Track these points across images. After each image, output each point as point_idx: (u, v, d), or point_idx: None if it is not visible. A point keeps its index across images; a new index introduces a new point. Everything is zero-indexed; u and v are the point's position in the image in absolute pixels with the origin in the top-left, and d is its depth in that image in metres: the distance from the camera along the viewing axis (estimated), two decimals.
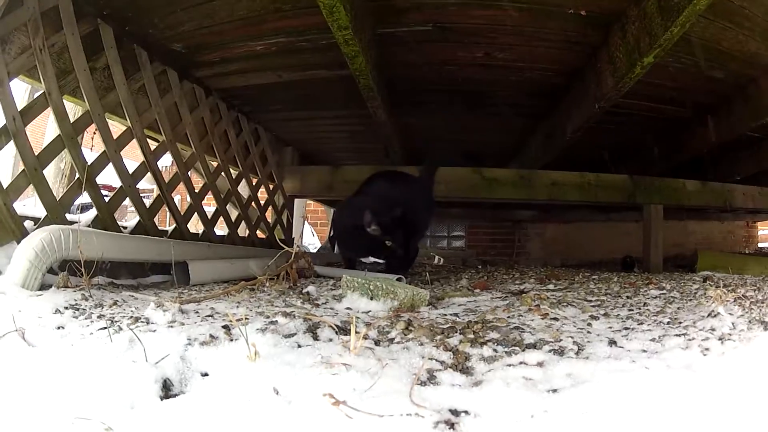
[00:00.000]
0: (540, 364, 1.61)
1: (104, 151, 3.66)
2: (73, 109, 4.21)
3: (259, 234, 6.06)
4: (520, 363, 1.64)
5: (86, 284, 2.55)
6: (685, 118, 5.92)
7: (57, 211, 3.16)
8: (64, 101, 3.42)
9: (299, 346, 1.71)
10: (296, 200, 7.45)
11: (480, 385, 1.43)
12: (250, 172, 5.85)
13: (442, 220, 11.34)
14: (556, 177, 6.50)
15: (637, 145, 7.07)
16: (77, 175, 3.45)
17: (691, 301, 2.89)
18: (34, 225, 3.04)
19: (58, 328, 1.90)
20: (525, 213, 10.29)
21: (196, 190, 4.80)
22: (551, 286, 3.82)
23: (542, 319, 2.38)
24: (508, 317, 2.39)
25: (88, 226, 3.30)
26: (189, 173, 4.77)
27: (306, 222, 10.92)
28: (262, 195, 6.17)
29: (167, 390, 1.33)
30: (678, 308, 2.68)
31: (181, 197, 5.26)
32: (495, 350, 1.77)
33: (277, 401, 1.24)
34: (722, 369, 1.54)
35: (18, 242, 2.71)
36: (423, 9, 3.90)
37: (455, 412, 1.21)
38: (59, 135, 3.30)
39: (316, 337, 1.84)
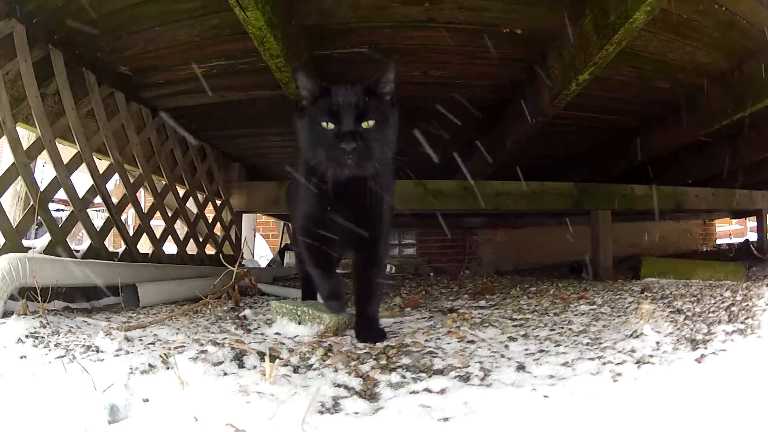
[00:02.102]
0: (442, 392, 1.75)
1: (56, 176, 3.93)
2: (26, 135, 4.38)
3: (211, 250, 6.31)
4: (424, 390, 1.79)
5: (42, 312, 2.82)
6: (633, 127, 6.26)
7: (13, 238, 3.41)
8: (18, 127, 3.67)
9: (225, 374, 1.92)
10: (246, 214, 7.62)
11: (378, 412, 1.58)
12: (197, 189, 6.12)
13: (392, 228, 11.23)
14: (501, 187, 6.68)
15: (587, 152, 7.35)
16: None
17: (620, 317, 3.00)
18: None
19: (21, 357, 2.15)
20: (475, 220, 10.46)
21: (145, 210, 5.09)
22: (483, 302, 4.03)
23: (459, 342, 2.55)
24: (426, 341, 2.56)
25: (43, 251, 3.60)
26: (138, 193, 5.04)
27: (257, 234, 11.09)
28: (210, 211, 6.41)
29: (114, 415, 1.58)
30: (603, 326, 2.79)
31: (134, 215, 5.56)
32: (403, 376, 1.96)
33: (196, 428, 1.50)
34: (630, 397, 1.62)
35: None
36: (358, 31, 4.17)
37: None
38: (14, 163, 3.55)
39: (241, 365, 2.07)
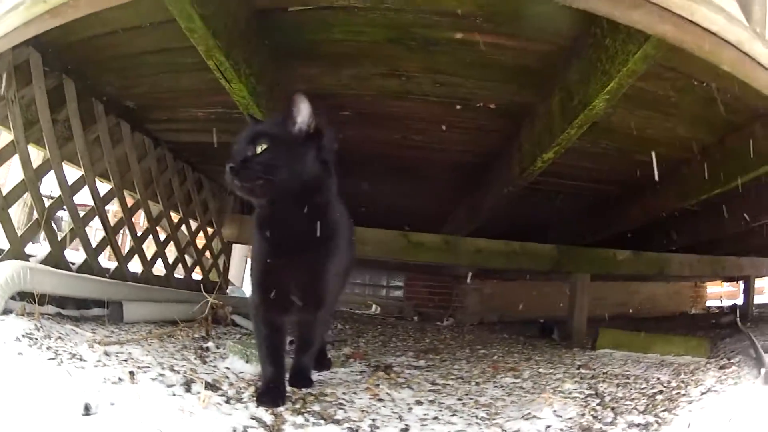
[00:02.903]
0: None
1: (59, 195, 4.40)
2: (36, 154, 4.79)
3: (199, 274, 6.76)
4: None
5: (37, 316, 3.29)
6: (615, 195, 6.44)
7: (18, 246, 3.87)
8: (29, 147, 4.11)
9: (173, 395, 2.34)
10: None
11: None
12: (191, 217, 6.56)
13: (381, 269, 11.57)
14: (482, 244, 6.86)
15: (570, 215, 7.48)
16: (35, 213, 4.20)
17: (534, 395, 3.06)
18: None
19: (19, 354, 2.60)
20: (463, 269, 10.13)
21: (139, 234, 5.55)
22: (422, 362, 4.28)
23: (370, 399, 2.82)
24: (343, 393, 2.84)
25: (42, 261, 4.04)
26: (135, 216, 5.51)
27: (249, 260, 11.35)
28: (201, 239, 6.84)
29: (87, 410, 2.00)
30: (511, 402, 2.92)
31: (122, 239, 6.03)
32: (307, 420, 2.29)
33: (142, 429, 1.93)
34: None
35: None
36: (341, 98, 4.49)
37: None
38: (23, 179, 4.00)
39: (188, 389, 2.46)
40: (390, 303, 10.94)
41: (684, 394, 2.74)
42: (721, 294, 16.03)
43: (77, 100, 4.46)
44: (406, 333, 6.56)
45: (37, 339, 2.89)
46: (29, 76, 3.96)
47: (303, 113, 2.48)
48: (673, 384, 3.11)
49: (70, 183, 4.52)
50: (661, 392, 2.90)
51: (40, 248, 4.53)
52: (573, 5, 2.00)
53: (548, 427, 2.30)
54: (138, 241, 5.52)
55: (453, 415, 2.59)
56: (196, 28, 2.89)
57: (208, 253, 7.02)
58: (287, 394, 2.64)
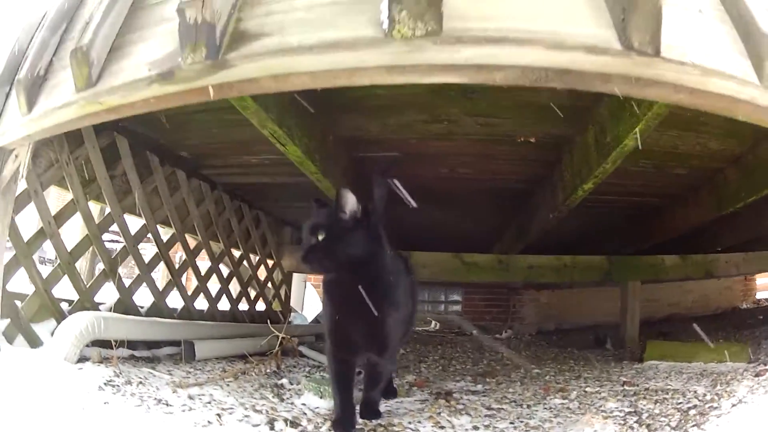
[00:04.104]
0: None
1: (124, 246, 4.65)
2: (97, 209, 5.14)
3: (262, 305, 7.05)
4: None
5: (114, 362, 3.53)
6: (656, 205, 6.48)
7: (86, 296, 4.15)
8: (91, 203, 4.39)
9: None
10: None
11: None
12: (251, 252, 6.80)
13: (439, 286, 11.51)
14: (533, 261, 7.06)
15: (615, 227, 7.48)
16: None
17: (579, 415, 3.20)
18: (69, 306, 4.02)
19: (105, 403, 2.80)
20: (519, 282, 10.11)
21: (203, 273, 5.79)
22: (479, 387, 4.40)
23: (432, 426, 3.04)
24: (408, 422, 3.08)
25: (111, 309, 4.30)
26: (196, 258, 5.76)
27: (308, 284, 11.48)
28: (262, 273, 7.11)
29: None
30: (557, 423, 3.08)
31: (186, 276, 6.28)
32: None
33: None
34: None
35: (57, 320, 3.74)
36: (388, 142, 4.71)
37: None
38: (87, 235, 4.27)
39: (272, 428, 2.75)
40: (448, 318, 11.03)
41: (715, 407, 2.84)
42: None
43: (132, 155, 4.70)
44: (464, 353, 6.69)
45: (119, 386, 3.11)
46: (81, 138, 4.18)
47: (349, 204, 2.87)
48: (708, 397, 3.21)
49: (133, 232, 4.78)
50: (695, 407, 2.99)
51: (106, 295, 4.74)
52: (591, 89, 2.04)
53: None
54: (203, 280, 5.77)
55: None
56: (249, 106, 3.20)
57: (270, 285, 7.27)
58: (359, 426, 2.93)
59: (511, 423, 3.11)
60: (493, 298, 11.31)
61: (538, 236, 6.25)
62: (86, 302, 4.14)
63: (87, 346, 3.66)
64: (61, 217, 4.13)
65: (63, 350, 3.46)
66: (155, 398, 2.99)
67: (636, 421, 2.79)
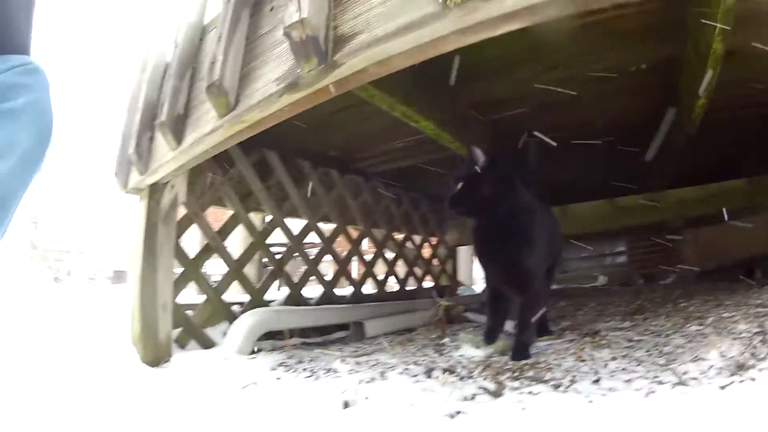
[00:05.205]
0: (537, 393, 2.57)
1: (289, 246, 5.13)
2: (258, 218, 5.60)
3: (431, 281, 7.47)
4: (529, 393, 2.59)
5: (288, 348, 4.01)
6: None
7: (258, 296, 4.65)
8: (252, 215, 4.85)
9: (417, 381, 2.93)
10: None
11: (496, 400, 2.54)
12: (413, 233, 7.23)
13: (602, 239, 11.43)
14: (681, 194, 6.96)
15: (751, 149, 6.98)
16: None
17: (708, 339, 3.24)
18: (240, 308, 4.47)
19: (277, 379, 3.23)
20: (677, 221, 9.46)
21: (369, 259, 6.28)
22: (626, 323, 4.51)
23: (575, 360, 3.21)
24: (554, 359, 3.28)
25: (284, 302, 4.80)
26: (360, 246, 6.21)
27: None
28: (426, 251, 7.48)
29: (346, 405, 2.59)
30: (690, 349, 3.12)
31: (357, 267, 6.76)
32: (522, 383, 2.78)
33: (394, 410, 2.50)
34: (645, 411, 2.11)
35: (229, 322, 4.19)
36: (513, 101, 4.88)
37: (456, 414, 2.40)
38: (252, 242, 4.77)
39: (429, 376, 3.05)
40: (615, 271, 11.01)
41: None
42: None
43: (284, 165, 5.18)
44: (621, 299, 6.67)
45: (291, 366, 3.54)
46: (232, 160, 4.67)
47: (478, 157, 3.51)
48: None
49: (296, 233, 5.28)
50: None
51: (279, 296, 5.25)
52: None
53: (711, 366, 2.56)
54: (368, 266, 6.31)
55: (638, 365, 2.91)
56: (374, 95, 3.67)
57: (435, 261, 7.67)
58: (511, 364, 3.27)
59: (647, 352, 3.23)
60: (655, 245, 11.06)
61: (677, 167, 6.30)
62: (258, 302, 4.62)
63: (259, 340, 4.16)
64: (224, 231, 4.62)
65: (235, 345, 3.94)
66: (324, 369, 3.39)
67: (760, 341, 2.87)
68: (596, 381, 2.71)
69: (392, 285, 6.87)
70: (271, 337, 4.37)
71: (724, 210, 6.44)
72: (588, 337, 3.97)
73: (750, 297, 4.94)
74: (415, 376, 3.11)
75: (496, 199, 3.55)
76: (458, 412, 2.44)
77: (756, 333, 3.11)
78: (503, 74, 4.42)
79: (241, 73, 2.89)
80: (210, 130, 3.06)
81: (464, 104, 4.82)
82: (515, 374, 3.02)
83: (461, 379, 3.02)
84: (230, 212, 4.76)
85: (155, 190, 3.85)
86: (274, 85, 2.68)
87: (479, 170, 3.51)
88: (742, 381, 2.21)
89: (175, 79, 3.36)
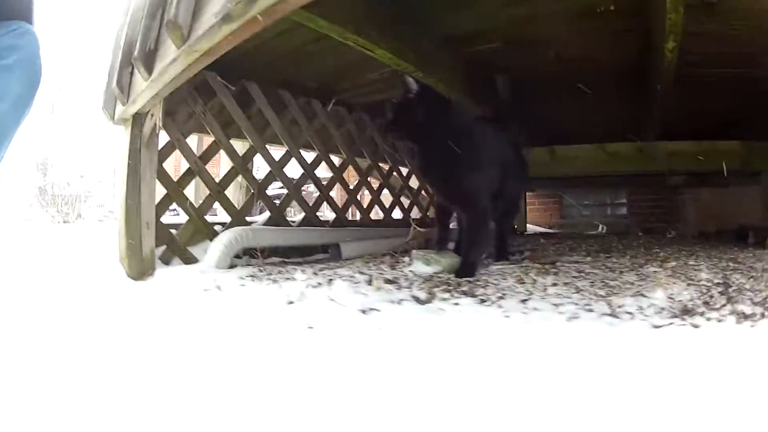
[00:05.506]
0: (459, 304, 2.82)
1: (270, 171, 5.37)
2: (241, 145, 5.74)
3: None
4: (454, 303, 2.84)
5: (262, 263, 4.28)
6: None
7: (238, 216, 4.89)
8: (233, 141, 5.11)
9: (356, 287, 3.17)
10: None
11: (422, 306, 2.82)
12: (401, 165, 7.42)
13: (604, 188, 11.45)
14: (672, 147, 7.08)
15: (750, 108, 6.92)
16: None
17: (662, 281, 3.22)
18: (223, 228, 4.70)
19: (241, 285, 3.48)
20: (677, 179, 9.88)
21: (351, 187, 6.49)
22: (588, 258, 4.60)
23: (515, 282, 3.40)
24: (495, 280, 3.48)
25: (265, 224, 5.03)
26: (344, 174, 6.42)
27: None
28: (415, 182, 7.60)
29: (289, 301, 2.92)
30: (638, 285, 3.17)
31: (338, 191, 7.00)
32: (452, 295, 3.01)
33: (326, 304, 2.84)
34: (548, 336, 2.19)
35: (210, 240, 4.44)
36: (487, 33, 5.16)
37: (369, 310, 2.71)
38: (233, 167, 5.03)
39: (369, 284, 3.33)
40: (615, 221, 11.06)
41: None
42: None
43: (264, 95, 5.36)
44: (603, 241, 6.69)
45: (259, 277, 3.74)
46: (213, 91, 4.88)
47: (410, 84, 3.77)
48: None
49: (277, 159, 5.49)
50: None
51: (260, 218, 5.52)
52: None
53: (651, 305, 2.57)
54: (352, 193, 6.52)
55: (575, 293, 3.00)
56: (323, 26, 3.89)
57: (423, 193, 7.79)
58: (449, 282, 3.47)
59: (591, 283, 3.32)
60: (656, 199, 11.24)
61: (661, 116, 6.36)
62: (238, 222, 4.87)
63: (238, 256, 4.46)
64: (206, 157, 4.94)
65: (213, 260, 4.20)
66: (287, 278, 3.65)
67: (720, 292, 2.83)
68: (524, 301, 2.85)
69: (380, 214, 7.14)
70: (252, 257, 4.63)
71: (724, 169, 6.80)
72: (539, 264, 4.15)
73: (727, 252, 5.02)
74: (357, 283, 3.36)
75: (430, 123, 3.78)
76: (371, 309, 2.73)
77: (717, 284, 3.10)
78: (465, 7, 4.58)
79: (193, 9, 3.15)
80: (171, 60, 3.34)
81: (433, 38, 5.02)
82: (450, 288, 3.24)
83: (399, 288, 3.26)
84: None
85: (137, 120, 4.13)
86: (213, 18, 2.92)
87: (411, 96, 3.77)
88: (682, 325, 2.23)
89: (147, 19, 3.65)
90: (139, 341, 2.46)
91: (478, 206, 3.95)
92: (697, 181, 9.83)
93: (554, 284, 3.29)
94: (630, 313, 2.47)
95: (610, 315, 2.45)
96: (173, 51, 3.30)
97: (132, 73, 3.91)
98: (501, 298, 2.93)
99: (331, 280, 3.45)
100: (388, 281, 3.48)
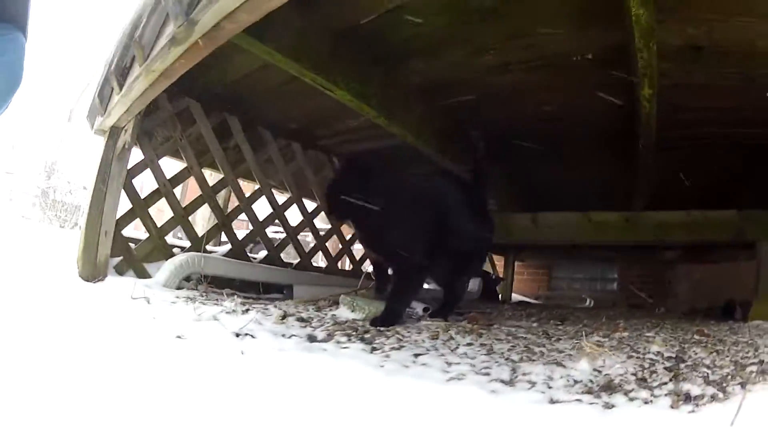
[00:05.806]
0: (347, 348, 2.88)
1: (238, 205, 5.57)
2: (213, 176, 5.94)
3: None
4: (343, 347, 2.88)
5: (206, 288, 4.47)
6: None
7: (198, 244, 5.05)
8: (206, 170, 5.33)
9: (263, 318, 3.39)
10: None
11: (312, 343, 2.92)
12: None
13: (595, 262, 11.25)
14: (662, 217, 6.65)
15: (742, 176, 6.70)
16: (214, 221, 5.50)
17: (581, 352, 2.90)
18: (181, 251, 4.90)
19: (172, 303, 3.69)
20: (672, 253, 9.67)
21: (322, 234, 6.66)
22: (534, 325, 4.30)
23: (428, 337, 3.34)
24: (408, 333, 3.47)
25: (224, 255, 5.20)
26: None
27: None
28: None
29: (197, 319, 3.08)
30: (566, 355, 2.88)
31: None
32: (349, 339, 3.11)
33: (214, 324, 3.02)
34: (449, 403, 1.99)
35: (166, 260, 4.63)
36: (458, 85, 5.06)
37: (244, 335, 2.87)
38: (201, 195, 5.21)
39: (283, 319, 3.49)
40: (604, 296, 10.82)
41: None
42: None
43: (244, 130, 5.56)
44: (571, 312, 6.19)
45: (193, 298, 3.97)
46: (192, 118, 5.13)
47: (336, 165, 3.87)
48: None
49: (247, 195, 5.68)
50: (761, 363, 2.52)
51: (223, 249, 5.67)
52: None
53: (564, 376, 2.37)
54: (320, 240, 6.66)
55: (485, 354, 2.88)
56: (279, 60, 3.93)
57: None
58: (359, 328, 3.54)
59: (511, 347, 3.16)
60: (648, 274, 10.88)
61: (648, 182, 6.15)
62: (197, 249, 4.99)
63: (188, 280, 4.63)
64: (176, 180, 5.13)
65: (162, 278, 4.43)
66: (214, 303, 3.79)
67: (667, 367, 2.56)
68: (418, 355, 2.79)
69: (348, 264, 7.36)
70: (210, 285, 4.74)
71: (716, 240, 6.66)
72: (470, 325, 3.95)
73: (699, 325, 4.55)
74: (269, 315, 3.58)
75: (357, 197, 3.89)
76: (246, 334, 2.91)
77: (668, 357, 2.81)
78: (433, 55, 4.58)
79: (157, 32, 3.42)
80: (134, 77, 3.61)
81: (403, 86, 4.98)
82: (354, 333, 3.34)
83: (305, 326, 3.42)
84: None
85: (114, 133, 4.43)
86: (165, 40, 3.18)
87: (337, 177, 4.07)
88: (591, 404, 2.01)
89: (126, 38, 3.93)
90: (37, 324, 2.72)
91: (404, 260, 4.01)
92: (689, 256, 9.63)
93: (469, 344, 3.17)
94: (533, 383, 2.29)
95: (503, 382, 2.29)
96: (137, 69, 3.58)
97: (113, 89, 4.20)
98: (396, 349, 2.94)
99: (247, 310, 3.63)
100: (302, 319, 3.61)
